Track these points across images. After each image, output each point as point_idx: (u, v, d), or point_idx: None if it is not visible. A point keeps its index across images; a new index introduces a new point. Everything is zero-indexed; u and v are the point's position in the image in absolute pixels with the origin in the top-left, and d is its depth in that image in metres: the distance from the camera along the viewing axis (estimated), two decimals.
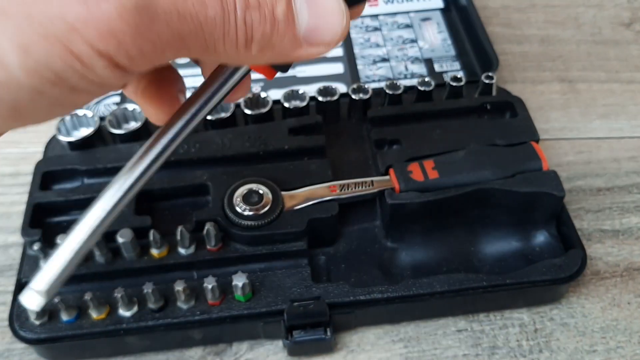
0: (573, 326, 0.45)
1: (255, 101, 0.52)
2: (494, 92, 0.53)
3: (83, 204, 0.46)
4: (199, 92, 0.28)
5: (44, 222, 0.46)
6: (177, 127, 0.28)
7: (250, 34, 0.24)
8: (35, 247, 0.42)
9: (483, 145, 0.48)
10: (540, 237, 0.47)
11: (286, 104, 0.51)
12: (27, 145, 0.56)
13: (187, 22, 0.22)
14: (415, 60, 0.63)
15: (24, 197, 0.47)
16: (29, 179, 0.48)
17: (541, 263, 0.44)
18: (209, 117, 0.50)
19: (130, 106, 0.50)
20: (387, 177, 0.46)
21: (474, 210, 0.46)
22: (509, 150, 0.47)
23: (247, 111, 0.51)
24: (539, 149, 0.47)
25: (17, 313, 0.41)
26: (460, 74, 0.56)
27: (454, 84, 0.52)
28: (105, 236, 0.42)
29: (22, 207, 0.46)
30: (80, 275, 0.43)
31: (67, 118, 0.50)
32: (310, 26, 0.25)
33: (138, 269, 0.43)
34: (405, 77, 0.61)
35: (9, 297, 0.45)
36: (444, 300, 0.43)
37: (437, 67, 0.62)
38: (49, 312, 0.41)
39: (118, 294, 0.40)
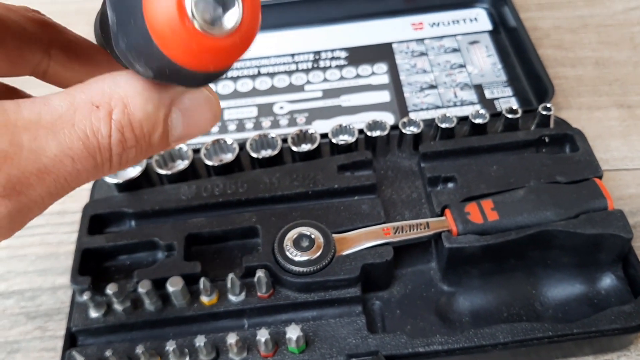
0: None
1: (302, 137, 0.51)
2: (552, 124, 0.51)
3: (131, 249, 0.45)
4: None
5: (93, 267, 0.45)
6: None
7: (125, 164, 0.23)
8: (85, 296, 0.41)
9: (543, 183, 0.45)
10: (606, 280, 0.45)
11: (334, 140, 0.50)
12: None
13: (64, 192, 0.22)
14: (464, 86, 0.60)
15: (72, 237, 0.47)
16: (76, 217, 0.47)
17: (610, 310, 0.41)
18: (255, 155, 0.49)
19: (177, 145, 0.49)
20: (443, 218, 0.44)
21: (534, 251, 0.44)
22: (571, 188, 0.45)
23: (294, 148, 0.49)
24: (603, 186, 0.45)
25: None
26: (514, 104, 0.55)
27: (510, 115, 0.50)
28: (155, 284, 0.41)
29: (70, 247, 0.46)
30: (130, 323, 0.42)
31: None
32: (183, 134, 0.25)
33: (188, 317, 0.42)
34: (455, 105, 0.59)
35: (59, 343, 0.44)
36: (507, 351, 0.40)
37: (487, 94, 0.59)
38: None
39: (170, 346, 0.39)
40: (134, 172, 0.48)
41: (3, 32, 0.29)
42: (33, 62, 0.30)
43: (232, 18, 0.20)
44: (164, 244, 0.45)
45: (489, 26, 0.66)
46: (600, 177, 0.46)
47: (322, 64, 0.64)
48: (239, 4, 0.20)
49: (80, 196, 0.49)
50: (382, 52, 0.65)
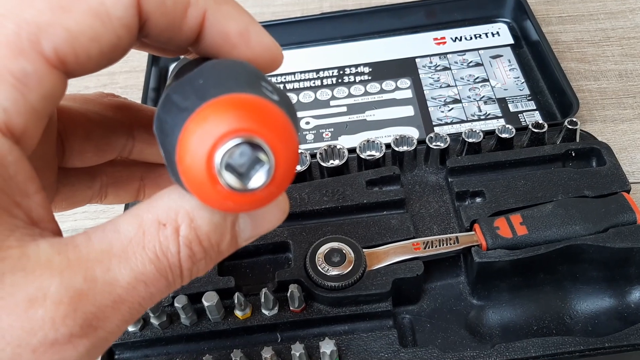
0: None
1: (331, 152, 0.51)
2: (578, 138, 0.51)
3: None
4: None
5: None
6: None
7: (196, 274, 0.23)
8: None
9: (571, 197, 0.46)
10: (636, 294, 0.45)
11: (362, 155, 0.51)
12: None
13: (138, 316, 0.21)
14: (488, 100, 0.61)
15: None
16: None
17: None
18: None
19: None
20: (472, 233, 0.45)
21: (563, 266, 0.44)
22: (599, 202, 0.45)
23: (323, 163, 0.50)
24: (632, 200, 0.45)
25: None
26: (539, 118, 0.55)
27: (536, 130, 0.50)
28: (191, 298, 0.42)
29: None
30: (166, 337, 0.43)
31: None
32: (251, 235, 0.24)
33: (223, 331, 0.43)
34: (479, 119, 0.59)
35: None
36: None
37: (511, 107, 0.60)
38: None
39: None
40: None
41: (89, 126, 0.28)
42: (119, 147, 0.30)
43: (261, 178, 0.19)
44: None
45: (510, 40, 0.67)
46: (628, 191, 0.46)
47: (346, 79, 0.65)
48: (271, 162, 0.18)
49: (119, 212, 0.50)
50: (405, 67, 0.66)
